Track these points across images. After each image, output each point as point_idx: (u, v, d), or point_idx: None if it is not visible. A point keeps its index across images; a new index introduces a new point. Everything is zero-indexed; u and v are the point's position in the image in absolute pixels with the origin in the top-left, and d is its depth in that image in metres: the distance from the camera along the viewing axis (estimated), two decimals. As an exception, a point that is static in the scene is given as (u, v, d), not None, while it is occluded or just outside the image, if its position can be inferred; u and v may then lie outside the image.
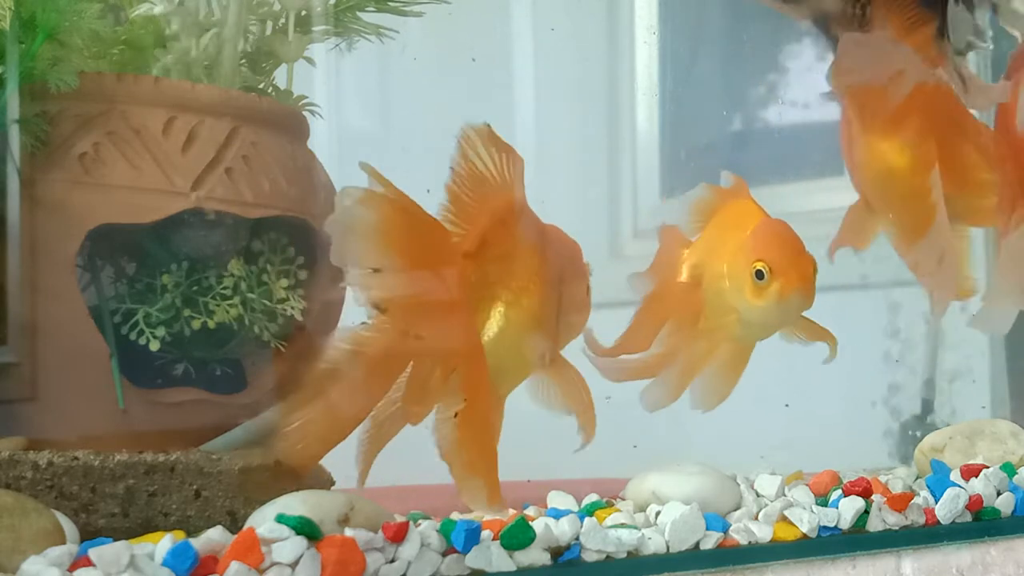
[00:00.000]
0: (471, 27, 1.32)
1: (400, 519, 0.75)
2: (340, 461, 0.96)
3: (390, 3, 1.09)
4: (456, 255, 0.91)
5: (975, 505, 1.00)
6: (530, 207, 0.99)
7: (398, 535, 0.73)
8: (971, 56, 1.32)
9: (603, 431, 1.27)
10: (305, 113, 1.08)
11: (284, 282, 1.01)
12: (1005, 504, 1.02)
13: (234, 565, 0.67)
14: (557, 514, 0.85)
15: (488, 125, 0.92)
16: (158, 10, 1.00)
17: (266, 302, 1.00)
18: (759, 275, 1.05)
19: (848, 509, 0.94)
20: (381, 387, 0.88)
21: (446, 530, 0.76)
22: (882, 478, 1.03)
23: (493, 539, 0.78)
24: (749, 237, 1.07)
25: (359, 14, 1.08)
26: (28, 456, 0.83)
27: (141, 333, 0.95)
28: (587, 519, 0.83)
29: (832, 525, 0.93)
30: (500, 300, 0.95)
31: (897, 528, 0.96)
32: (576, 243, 1.06)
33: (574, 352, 1.07)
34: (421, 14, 1.09)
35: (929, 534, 0.97)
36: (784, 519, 0.92)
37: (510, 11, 1.44)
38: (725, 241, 1.09)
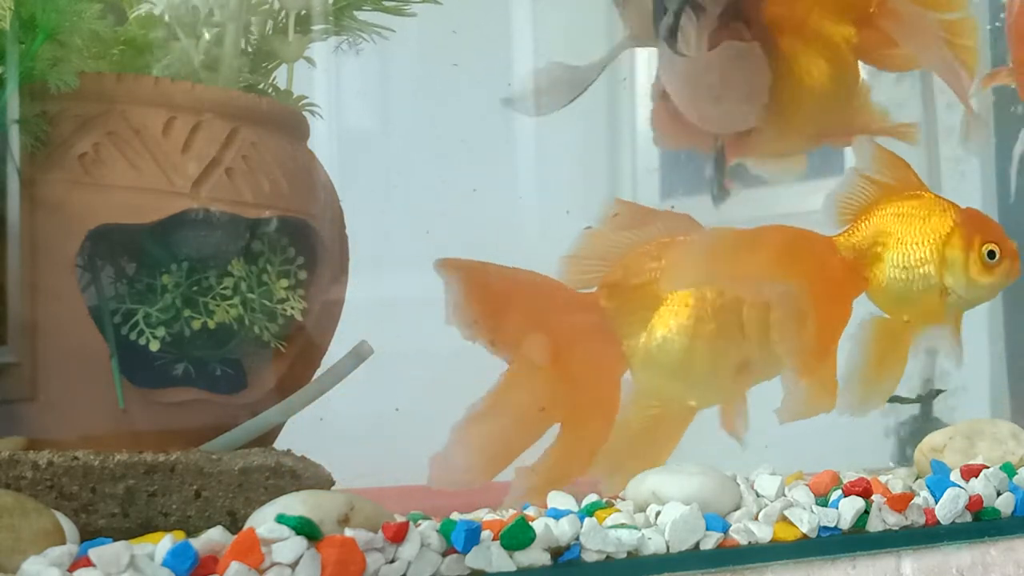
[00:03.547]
0: (471, 27, 1.32)
1: (400, 519, 0.75)
2: (340, 461, 0.97)
3: (384, 2, 1.09)
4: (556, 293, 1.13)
5: (975, 505, 1.00)
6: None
7: (398, 535, 0.73)
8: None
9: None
10: (305, 113, 1.08)
11: (284, 282, 1.01)
12: (1005, 504, 1.02)
13: (234, 565, 0.67)
14: (557, 514, 0.85)
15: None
16: (158, 10, 1.00)
17: (266, 302, 1.00)
18: (991, 255, 1.16)
19: (848, 509, 0.94)
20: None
21: (446, 530, 0.76)
22: (882, 478, 1.03)
23: (493, 539, 0.78)
24: (965, 220, 1.18)
25: (356, 14, 1.08)
26: (28, 456, 0.83)
27: (141, 333, 0.95)
28: (587, 519, 0.83)
29: (832, 525, 0.93)
30: (657, 319, 1.13)
31: (897, 528, 0.96)
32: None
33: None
34: (415, 14, 1.09)
35: (929, 534, 0.97)
36: (784, 519, 0.92)
37: (509, 10, 1.44)
38: (920, 228, 1.17)
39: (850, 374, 1.15)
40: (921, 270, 1.16)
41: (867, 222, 1.18)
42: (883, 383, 1.17)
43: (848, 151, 1.31)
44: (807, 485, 0.97)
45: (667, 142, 1.32)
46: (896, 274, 1.16)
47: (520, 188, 1.42)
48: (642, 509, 0.92)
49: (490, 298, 1.08)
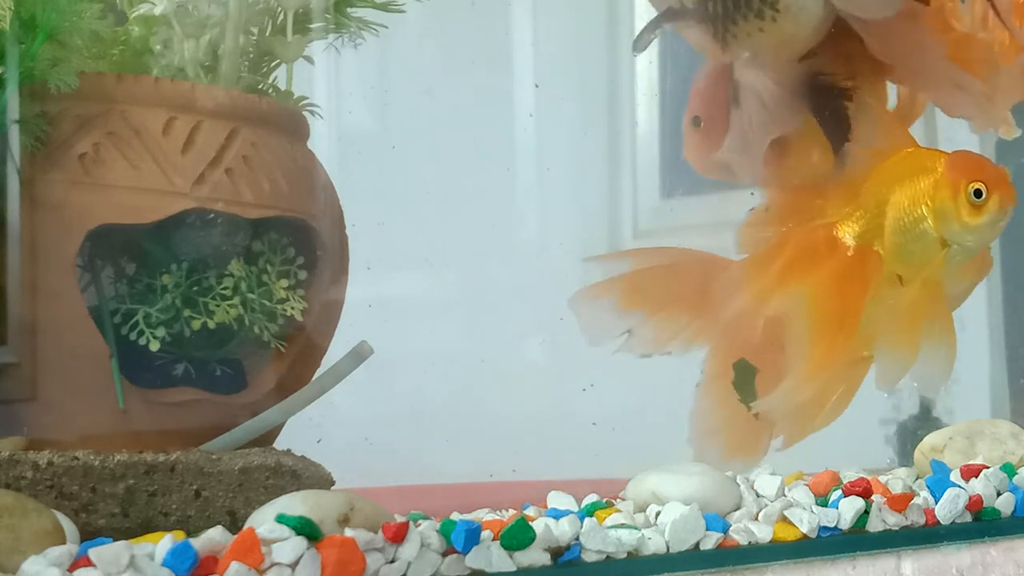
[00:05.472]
0: (470, 26, 1.32)
1: (400, 519, 0.75)
2: (340, 460, 0.97)
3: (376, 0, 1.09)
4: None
5: (975, 505, 1.00)
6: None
7: (398, 535, 0.73)
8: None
9: (604, 430, 1.27)
10: (305, 113, 1.08)
11: (284, 282, 1.01)
12: (1005, 504, 1.02)
13: (234, 565, 0.67)
14: (557, 514, 0.85)
15: None
16: (158, 10, 1.00)
17: (266, 302, 1.00)
18: (977, 194, 1.11)
19: (848, 509, 0.94)
20: None
21: (446, 530, 0.76)
22: (882, 478, 1.03)
23: (493, 539, 0.78)
24: (948, 166, 1.13)
25: (349, 11, 1.08)
26: (28, 456, 0.83)
27: (141, 333, 0.95)
28: (587, 519, 0.83)
29: (832, 525, 0.93)
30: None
31: (897, 528, 0.96)
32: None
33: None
34: (403, 11, 1.09)
35: (929, 534, 0.97)
36: (784, 519, 0.92)
37: (510, 10, 1.44)
38: (911, 187, 1.15)
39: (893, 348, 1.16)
40: (917, 229, 1.13)
41: (865, 195, 1.16)
42: (932, 354, 1.15)
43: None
44: (807, 485, 0.97)
45: (699, 169, 1.30)
46: (897, 239, 1.14)
47: (519, 188, 1.42)
48: (642, 509, 0.92)
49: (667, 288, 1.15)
